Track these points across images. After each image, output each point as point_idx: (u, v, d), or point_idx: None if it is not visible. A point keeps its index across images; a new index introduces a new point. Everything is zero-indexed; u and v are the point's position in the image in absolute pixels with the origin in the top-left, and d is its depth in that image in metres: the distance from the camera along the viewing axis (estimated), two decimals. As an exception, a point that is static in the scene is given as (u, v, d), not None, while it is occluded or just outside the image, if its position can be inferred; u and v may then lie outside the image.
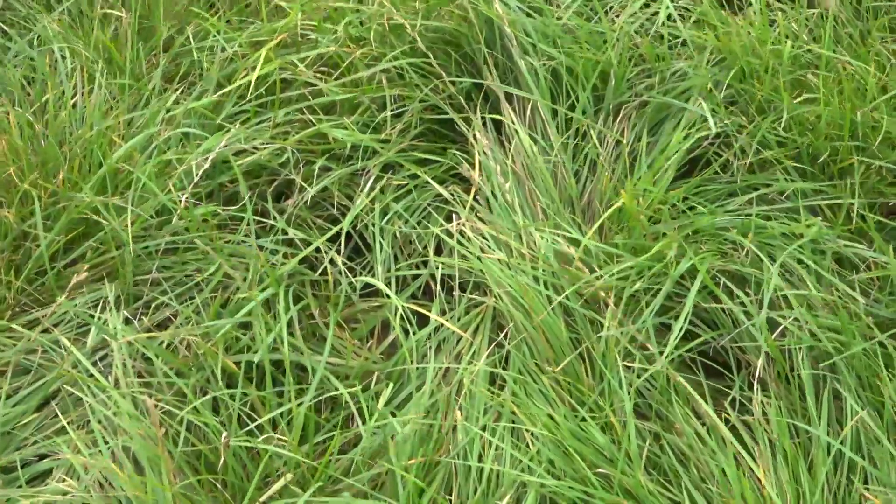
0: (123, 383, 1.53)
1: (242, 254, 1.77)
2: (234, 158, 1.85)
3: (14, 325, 1.63)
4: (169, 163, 1.84)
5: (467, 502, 1.47)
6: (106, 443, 1.48)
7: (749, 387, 1.59)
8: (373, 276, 1.81)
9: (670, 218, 1.76)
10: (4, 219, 1.73)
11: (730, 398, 1.58)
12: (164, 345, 1.62)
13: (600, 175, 1.85)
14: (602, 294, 1.63)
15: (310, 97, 1.96)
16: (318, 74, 1.98)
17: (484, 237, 1.75)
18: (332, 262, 1.82)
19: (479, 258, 1.71)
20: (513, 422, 1.53)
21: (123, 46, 2.04)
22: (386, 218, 1.86)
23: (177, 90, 1.99)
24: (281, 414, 1.53)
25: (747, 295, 1.62)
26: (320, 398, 1.61)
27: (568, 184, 1.85)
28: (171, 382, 1.57)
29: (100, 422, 1.51)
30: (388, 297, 1.70)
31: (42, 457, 1.54)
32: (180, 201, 1.74)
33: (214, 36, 2.03)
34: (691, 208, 1.78)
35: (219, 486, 1.49)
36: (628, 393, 1.50)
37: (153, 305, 1.71)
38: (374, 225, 1.85)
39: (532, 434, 1.50)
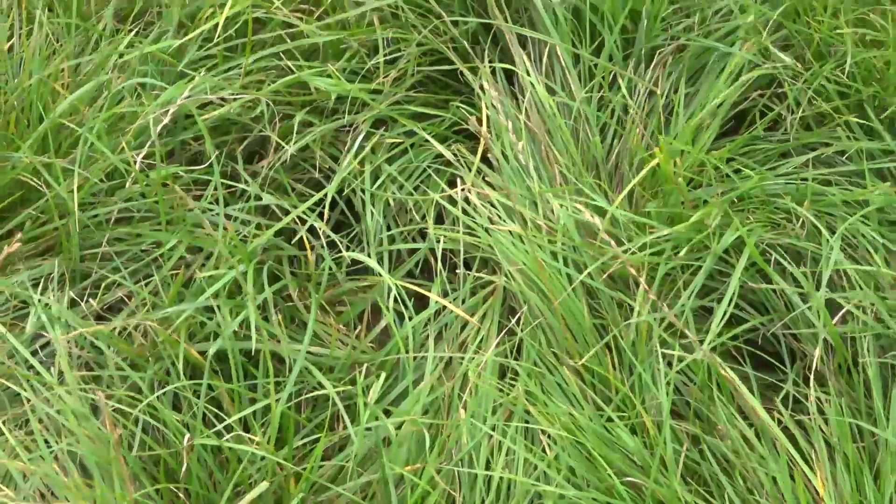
0: (69, 377, 1.51)
1: (208, 224, 1.75)
2: (198, 112, 1.82)
3: (-60, 308, 1.63)
4: (122, 117, 1.82)
5: (473, 516, 1.48)
6: (49, 446, 1.47)
7: (805, 381, 1.58)
8: (362, 250, 1.81)
9: (713, 182, 1.74)
10: (-72, 183, 1.73)
11: (782, 394, 1.57)
12: (117, 331, 1.61)
13: (630, 132, 1.83)
14: (632, 272, 1.62)
15: (288, 40, 1.95)
16: (297, 13, 1.96)
17: (493, 205, 1.74)
18: (313, 233, 1.81)
19: (486, 230, 1.70)
20: (527, 422, 1.53)
21: (68, -20, 2.03)
22: (377, 182, 1.85)
23: (131, 31, 1.97)
24: (254, 412, 1.52)
25: (803, 273, 1.61)
26: (301, 394, 1.60)
27: (592, 143, 1.83)
28: (125, 376, 1.56)
29: (41, 421, 1.49)
30: (379, 275, 1.70)
31: (-26, 462, 1.53)
32: (135, 162, 1.72)
33: (175, -33, 2.01)
34: (737, 171, 1.77)
35: (181, 495, 1.48)
36: (663, 388, 1.49)
37: (103, 285, 1.70)
38: (363, 190, 1.84)
39: (549, 436, 1.50)
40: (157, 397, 1.51)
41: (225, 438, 1.47)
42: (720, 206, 1.64)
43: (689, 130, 1.76)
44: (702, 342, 1.54)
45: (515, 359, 1.63)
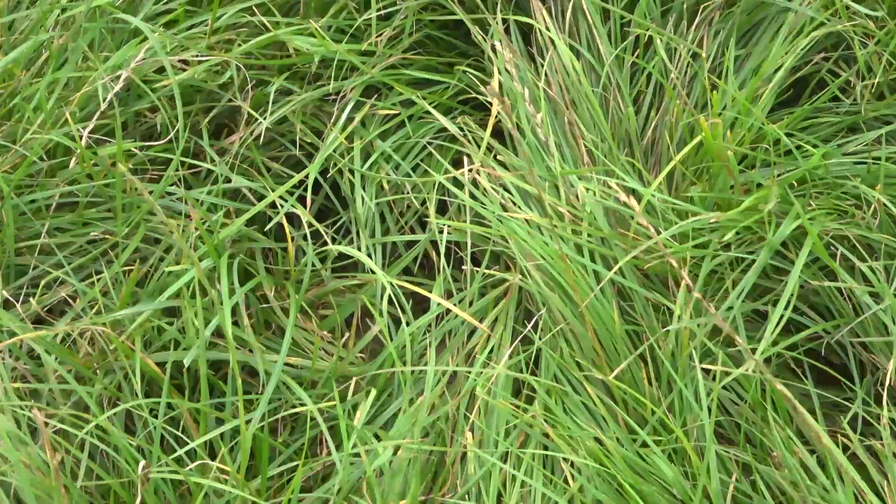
0: (1, 391, 1.51)
1: (167, 211, 1.75)
2: (155, 78, 1.82)
3: None
4: (65, 84, 1.82)
5: (482, 559, 1.48)
6: (-22, 474, 1.47)
7: (876, 399, 1.57)
8: (350, 242, 1.81)
9: (771, 160, 1.73)
10: None
11: (849, 415, 1.57)
12: (59, 338, 1.60)
13: (670, 102, 1.82)
14: (673, 266, 1.61)
15: (263, -8, 1.94)
16: (273, -40, 1.96)
17: (506, 189, 1.73)
18: (293, 222, 1.80)
19: (499, 218, 1.69)
20: (545, 448, 1.53)
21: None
22: (369, 161, 1.85)
23: (76, -18, 1.97)
24: (222, 435, 1.52)
25: (875, 269, 1.59)
26: (277, 414, 1.60)
27: (624, 114, 1.83)
28: (69, 391, 1.56)
29: (-31, 445, 1.49)
30: (371, 272, 1.70)
31: None
32: (81, 137, 1.71)
33: None
34: (798, 148, 1.75)
35: (135, 534, 1.48)
36: (708, 408, 1.48)
37: (43, 283, 1.70)
38: (352, 171, 1.84)
39: (572, 465, 1.50)
40: (107, 417, 1.50)
41: (192, 469, 1.46)
42: (777, 190, 1.62)
43: (741, 100, 1.75)
44: (754, 352, 1.52)
45: (532, 373, 1.62)
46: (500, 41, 1.87)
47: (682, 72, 1.86)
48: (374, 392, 1.57)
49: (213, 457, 1.52)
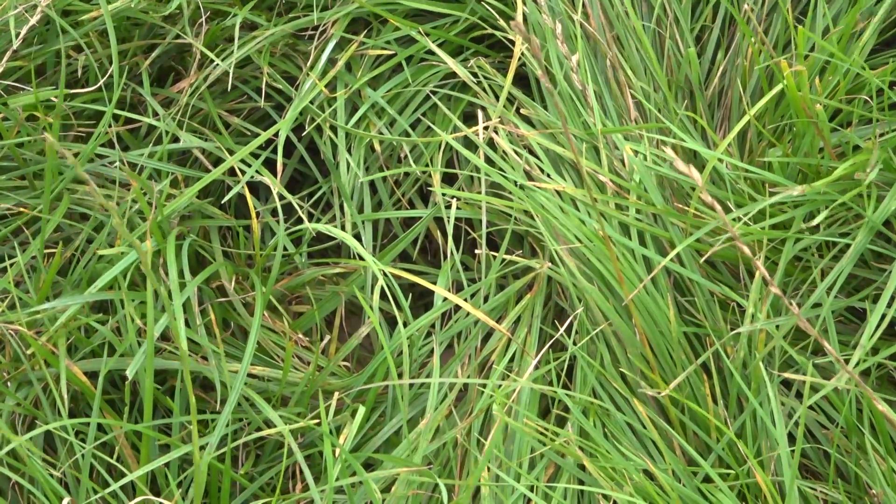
0: None
1: (99, 179, 1.75)
2: (82, 7, 1.82)
3: None
4: None
5: None
6: None
7: None
8: (332, 219, 1.81)
9: (868, 118, 1.73)
10: None
11: None
12: None
13: (742, 41, 1.83)
14: (743, 255, 1.61)
15: None
16: None
17: (531, 152, 1.74)
18: (258, 194, 1.81)
19: (522, 188, 1.70)
20: (581, 482, 1.53)
21: None
22: (356, 115, 1.85)
23: None
24: (168, 465, 1.52)
25: None
26: (239, 438, 1.60)
27: (684, 56, 1.83)
28: None
29: None
30: (359, 257, 1.69)
31: None
32: None
33: None
34: None
35: (59, 590, 1.49)
36: (789, 433, 1.49)
37: None
38: (334, 128, 1.84)
39: (615, 503, 1.50)
40: (22, 442, 1.48)
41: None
42: (879, 154, 1.62)
43: (833, 39, 1.75)
44: (847, 362, 1.53)
45: (565, 387, 1.63)
46: (525, -39, 1.88)
47: (758, 2, 1.86)
48: (362, 411, 1.56)
49: (157, 492, 1.53)
